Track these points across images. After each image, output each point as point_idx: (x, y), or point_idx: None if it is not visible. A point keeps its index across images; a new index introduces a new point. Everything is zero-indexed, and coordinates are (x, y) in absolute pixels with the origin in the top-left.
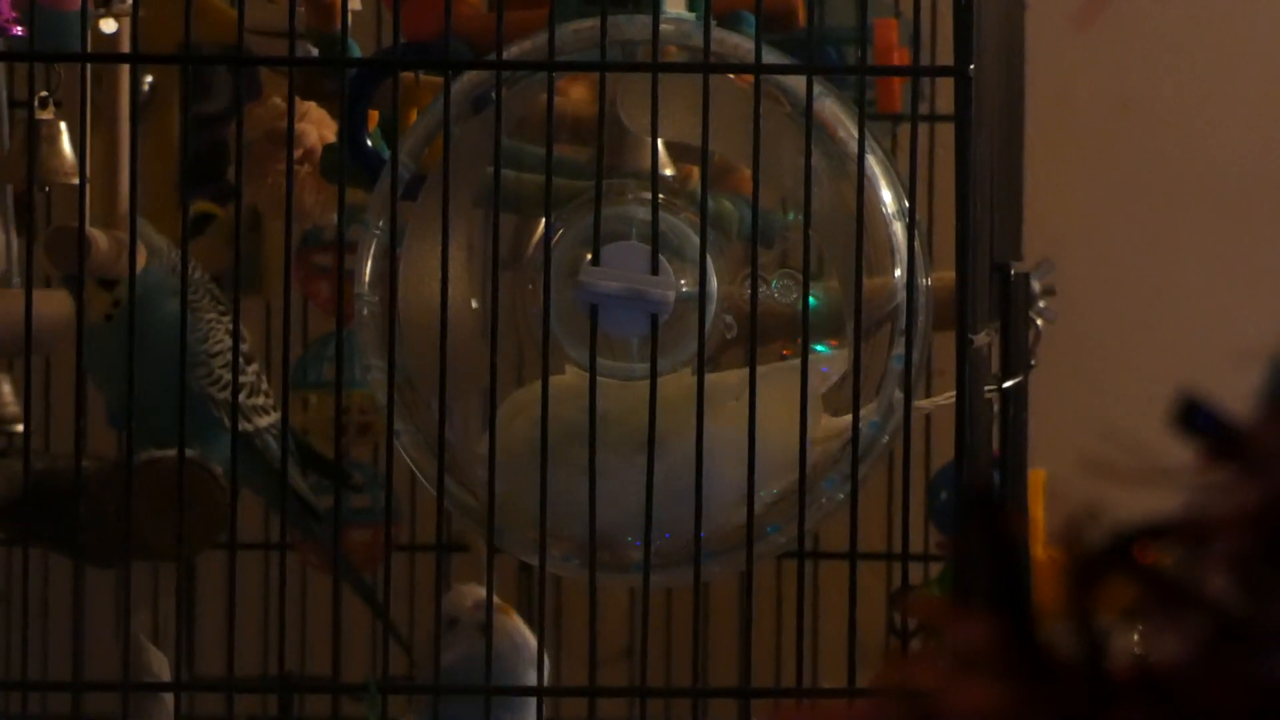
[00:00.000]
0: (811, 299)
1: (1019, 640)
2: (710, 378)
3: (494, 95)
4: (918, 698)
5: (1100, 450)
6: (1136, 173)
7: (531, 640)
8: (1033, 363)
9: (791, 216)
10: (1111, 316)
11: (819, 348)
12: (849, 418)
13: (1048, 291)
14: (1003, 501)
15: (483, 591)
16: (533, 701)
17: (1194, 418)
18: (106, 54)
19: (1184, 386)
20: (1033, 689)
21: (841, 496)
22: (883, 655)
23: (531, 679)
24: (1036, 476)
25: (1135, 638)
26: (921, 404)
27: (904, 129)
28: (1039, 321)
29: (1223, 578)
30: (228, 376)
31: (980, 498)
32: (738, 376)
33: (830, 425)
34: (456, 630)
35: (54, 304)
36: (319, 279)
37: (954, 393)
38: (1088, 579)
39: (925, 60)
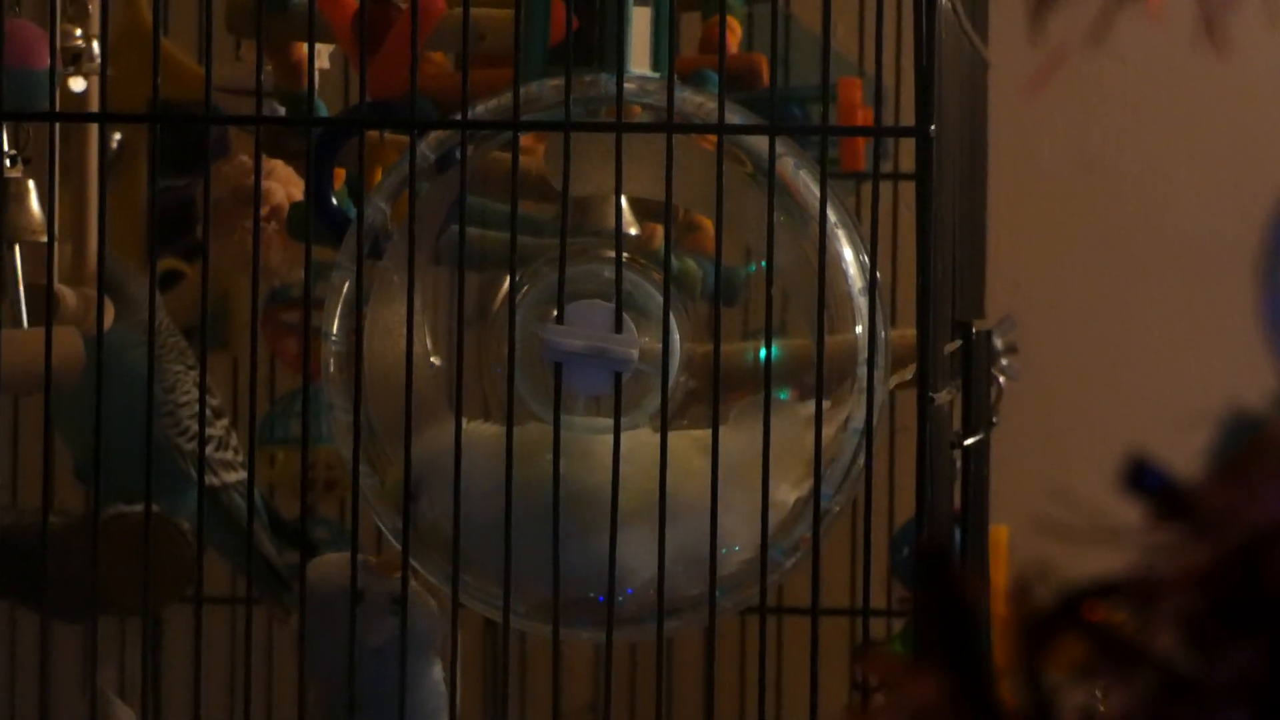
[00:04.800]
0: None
1: (972, 698)
2: (673, 437)
3: (459, 154)
4: None
5: (1053, 511)
6: (1099, 233)
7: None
8: (995, 420)
9: (753, 268)
10: (1074, 374)
11: (781, 395)
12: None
13: (1010, 349)
14: (957, 559)
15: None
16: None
17: (1142, 479)
18: (75, 113)
19: (1132, 448)
20: None
21: (791, 564)
22: (846, 712)
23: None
24: (999, 533)
25: (1098, 694)
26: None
27: (867, 186)
28: (1001, 379)
29: (1171, 636)
30: (195, 427)
31: (934, 556)
32: (697, 436)
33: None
34: (365, 605)
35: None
36: (286, 336)
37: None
38: (1037, 637)
39: (889, 117)
